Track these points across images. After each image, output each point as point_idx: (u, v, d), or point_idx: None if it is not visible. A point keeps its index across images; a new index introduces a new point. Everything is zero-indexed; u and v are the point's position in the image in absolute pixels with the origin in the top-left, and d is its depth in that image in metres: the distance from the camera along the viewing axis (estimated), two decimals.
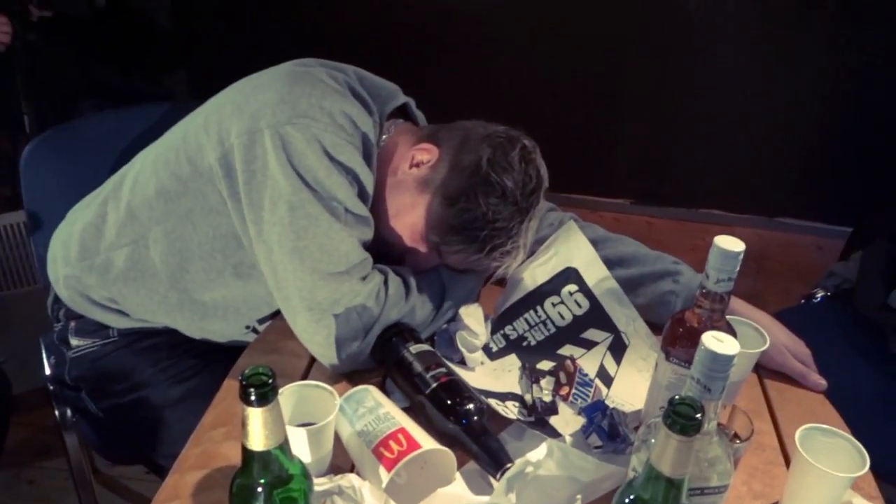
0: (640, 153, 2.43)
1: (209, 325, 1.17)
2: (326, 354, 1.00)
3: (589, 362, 1.08)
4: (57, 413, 1.27)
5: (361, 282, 1.00)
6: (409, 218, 1.07)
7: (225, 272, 1.11)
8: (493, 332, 1.11)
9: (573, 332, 1.11)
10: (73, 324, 1.19)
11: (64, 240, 1.20)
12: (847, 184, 2.28)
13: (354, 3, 2.35)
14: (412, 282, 1.06)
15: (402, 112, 1.18)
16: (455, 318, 1.09)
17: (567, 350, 1.10)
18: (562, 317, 1.11)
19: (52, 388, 1.26)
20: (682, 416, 0.58)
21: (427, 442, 0.82)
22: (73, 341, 1.20)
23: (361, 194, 1.03)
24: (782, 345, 1.09)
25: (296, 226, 0.98)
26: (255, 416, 0.58)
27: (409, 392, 0.95)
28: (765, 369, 1.11)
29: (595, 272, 1.12)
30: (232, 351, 1.12)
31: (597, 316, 1.11)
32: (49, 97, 2.34)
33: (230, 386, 0.99)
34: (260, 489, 0.63)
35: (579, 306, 1.11)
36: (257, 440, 0.60)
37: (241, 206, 1.02)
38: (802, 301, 1.77)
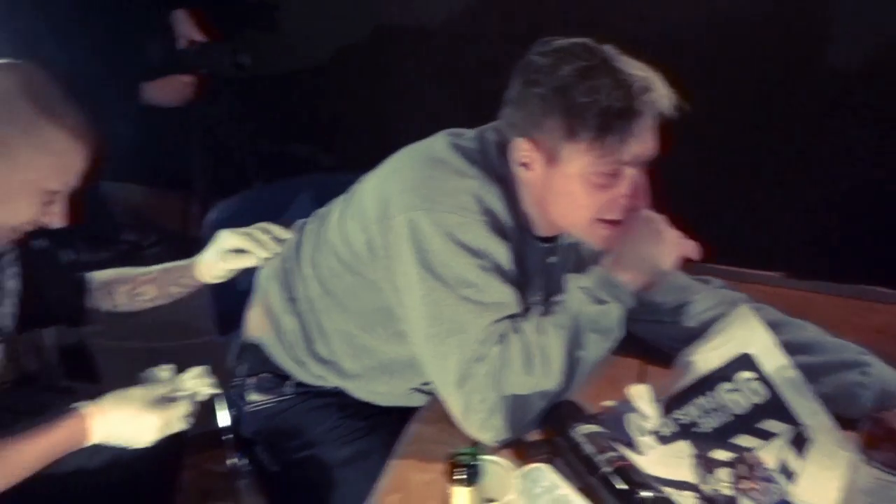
0: (793, 219, 2.31)
1: (376, 387, 1.22)
2: (467, 429, 1.01)
3: (767, 455, 1.02)
4: (229, 462, 1.34)
5: (482, 363, 1.00)
6: (571, 184, 1.05)
7: (389, 339, 1.17)
8: (664, 415, 1.08)
9: (749, 422, 1.06)
10: (252, 380, 1.27)
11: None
12: None
13: None
14: (534, 347, 1.01)
15: None
16: (625, 398, 1.07)
17: (742, 440, 1.05)
18: (737, 404, 1.07)
19: (228, 438, 1.33)
20: None
21: None
22: (251, 397, 1.28)
23: (499, 269, 1.04)
24: None
25: (427, 313, 1.02)
26: (463, 496, 0.60)
27: (580, 474, 0.94)
28: None
29: (774, 359, 1.07)
30: (397, 412, 1.16)
31: (775, 406, 1.06)
32: (220, 160, 2.55)
33: (404, 452, 1.02)
34: None
35: (756, 395, 1.07)
36: None
37: (388, 287, 1.09)
38: None
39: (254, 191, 2.05)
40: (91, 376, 1.76)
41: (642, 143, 1.03)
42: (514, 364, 1.00)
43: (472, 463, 0.59)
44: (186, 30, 2.28)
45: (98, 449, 1.15)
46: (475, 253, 1.03)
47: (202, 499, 1.84)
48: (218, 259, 1.26)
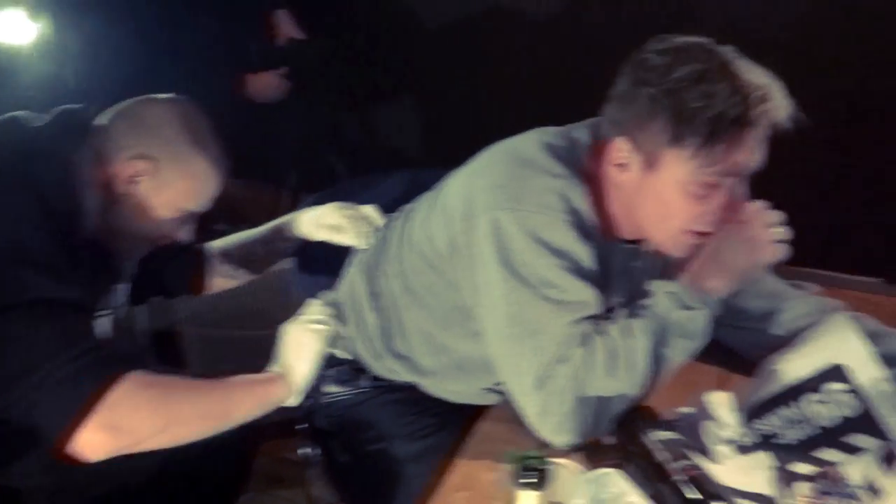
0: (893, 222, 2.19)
1: (450, 385, 1.23)
2: (540, 432, 1.00)
3: (852, 471, 0.97)
4: (300, 452, 1.38)
5: (563, 365, 0.98)
6: (669, 192, 1.02)
7: (466, 338, 1.17)
8: (744, 424, 1.04)
9: (836, 436, 1.00)
10: (330, 371, 1.30)
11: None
12: None
13: None
14: (621, 350, 1.00)
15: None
16: (703, 406, 1.04)
17: (827, 454, 1.00)
18: (824, 416, 1.02)
19: (302, 427, 1.37)
20: None
21: None
22: (328, 388, 1.30)
23: (581, 271, 1.03)
24: None
25: (507, 313, 1.01)
26: (530, 500, 0.60)
27: (652, 480, 0.92)
28: None
29: (868, 371, 1.01)
30: (468, 409, 1.16)
31: (867, 420, 1.00)
32: (309, 153, 2.63)
33: (473, 450, 1.03)
34: None
35: (846, 407, 1.01)
36: None
37: (468, 285, 1.09)
38: None
39: (343, 185, 2.10)
40: (178, 361, 1.84)
41: (750, 154, 1.00)
42: (597, 366, 0.99)
43: (540, 467, 0.59)
44: (287, 28, 2.36)
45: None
46: (558, 253, 1.02)
47: (272, 484, 1.90)
48: (315, 226, 1.34)
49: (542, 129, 1.16)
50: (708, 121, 0.96)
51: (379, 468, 1.22)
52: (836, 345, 1.04)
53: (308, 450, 1.37)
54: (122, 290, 1.27)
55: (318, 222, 1.32)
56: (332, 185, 1.76)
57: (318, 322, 1.15)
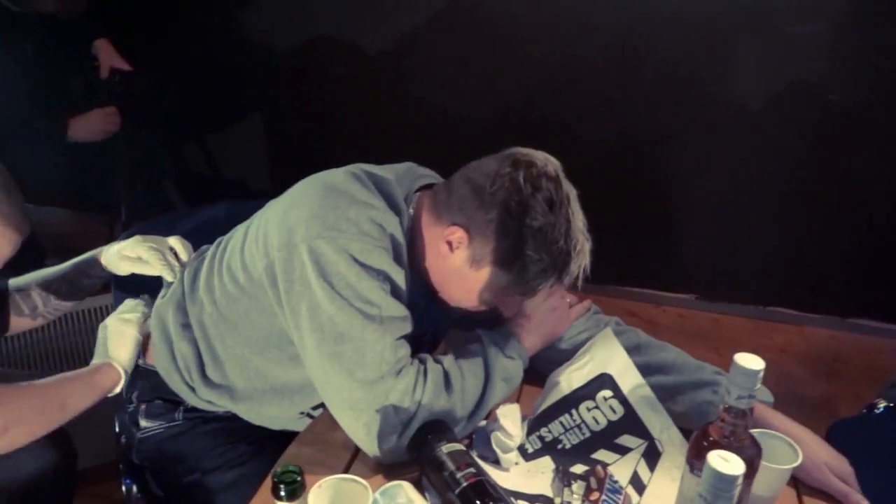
0: (706, 245, 2.43)
1: (267, 411, 1.26)
2: (369, 448, 1.07)
3: (622, 468, 1.10)
4: (123, 489, 1.36)
5: (395, 378, 1.07)
6: (469, 288, 1.15)
7: (282, 362, 1.21)
8: (529, 433, 1.15)
9: (608, 438, 1.13)
10: (143, 406, 1.30)
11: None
12: None
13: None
14: (454, 376, 1.12)
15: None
16: (492, 416, 1.14)
17: (601, 455, 1.12)
18: (596, 421, 1.14)
19: (120, 466, 1.35)
20: None
21: None
22: (142, 423, 1.30)
23: (395, 292, 1.11)
24: (822, 462, 1.09)
25: (332, 332, 1.07)
26: None
27: (441, 490, 0.99)
28: (805, 487, 1.10)
29: (630, 379, 1.15)
30: (285, 438, 1.20)
31: (631, 422, 1.14)
32: (142, 184, 2.57)
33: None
34: None
35: (614, 412, 1.14)
36: None
37: (284, 311, 1.13)
38: (864, 411, 1.71)
39: (171, 215, 2.07)
40: None
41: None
42: (430, 385, 1.08)
43: (291, 480, 0.64)
44: (108, 59, 2.30)
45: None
46: (376, 274, 1.09)
47: None
48: (118, 259, 1.33)
49: (355, 164, 1.23)
50: (536, 273, 1.10)
51: (193, 499, 1.23)
52: (603, 355, 1.17)
53: (127, 487, 1.35)
54: None
55: (121, 254, 1.31)
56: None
57: (131, 312, 1.27)
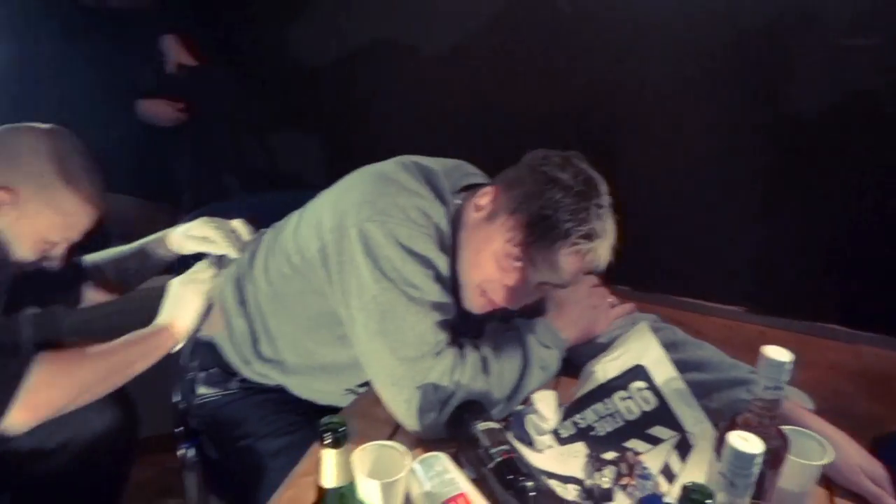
0: (758, 257, 2.41)
1: (315, 386, 1.34)
2: (409, 422, 1.13)
3: (654, 458, 1.13)
4: (182, 453, 1.45)
5: (435, 359, 1.13)
6: (490, 246, 1.18)
7: (331, 342, 1.29)
8: (564, 418, 1.19)
9: (640, 427, 1.17)
10: (202, 374, 1.39)
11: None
12: None
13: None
14: (492, 361, 1.17)
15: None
16: (528, 401, 1.18)
17: (633, 444, 1.15)
18: (630, 411, 1.18)
19: (179, 430, 1.45)
20: (693, 502, 0.66)
21: None
22: (200, 390, 1.39)
23: (438, 278, 1.18)
24: (856, 464, 1.10)
25: (377, 311, 1.14)
26: (329, 457, 0.71)
27: (476, 465, 1.05)
28: (839, 489, 1.11)
29: (663, 371, 1.18)
30: (331, 412, 1.27)
31: (664, 414, 1.17)
32: (204, 174, 2.69)
33: None
34: None
35: (647, 403, 1.18)
36: (329, 478, 0.73)
37: (335, 290, 1.20)
38: None
39: (230, 201, 2.18)
40: None
41: (556, 275, 1.17)
42: (468, 368, 1.14)
43: (338, 428, 0.70)
44: (175, 54, 2.42)
45: (54, 430, 1.27)
46: (420, 259, 1.16)
47: (161, 495, 1.95)
48: (185, 238, 1.40)
49: (405, 156, 1.30)
50: (540, 216, 1.14)
51: (245, 463, 1.31)
52: (638, 347, 1.20)
53: (185, 450, 1.44)
54: None
55: (188, 234, 1.40)
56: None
57: (202, 278, 1.28)
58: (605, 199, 1.18)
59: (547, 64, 2.37)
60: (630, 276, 1.43)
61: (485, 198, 1.21)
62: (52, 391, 1.11)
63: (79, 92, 2.10)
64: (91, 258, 1.48)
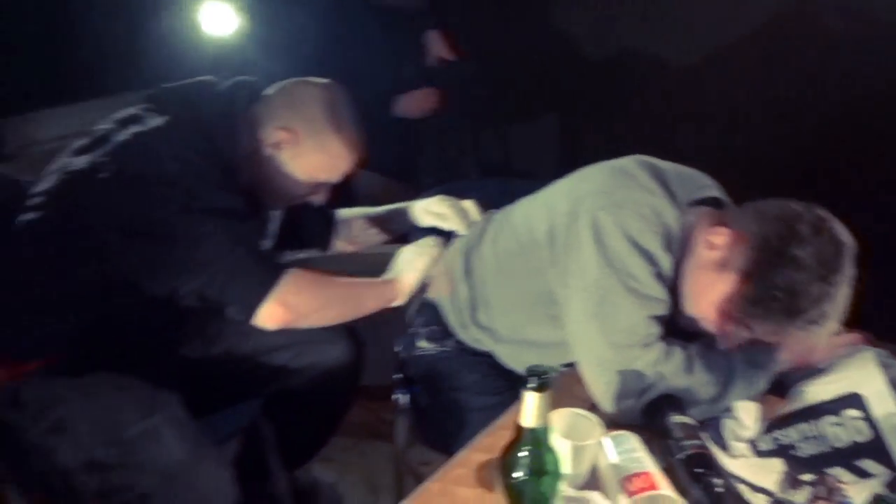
0: None
1: (523, 358, 1.43)
2: (606, 404, 1.20)
3: (859, 491, 1.08)
4: (397, 398, 1.63)
5: (643, 349, 1.18)
6: (711, 296, 1.17)
7: (542, 320, 1.38)
8: (766, 432, 1.17)
9: (847, 457, 1.11)
10: (424, 330, 1.55)
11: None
12: None
13: None
14: (697, 363, 1.19)
15: (715, 199, 1.31)
16: (729, 408, 1.18)
17: (837, 472, 1.11)
18: (838, 438, 1.13)
19: (395, 377, 1.63)
20: None
21: (666, 489, 0.96)
22: (420, 343, 1.55)
23: (660, 275, 1.21)
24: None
25: (596, 295, 1.20)
26: (531, 399, 0.80)
27: (665, 455, 1.08)
28: None
29: (885, 406, 1.12)
30: None
31: (877, 449, 1.10)
32: (445, 158, 2.90)
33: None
34: (522, 457, 0.84)
35: (860, 433, 1.12)
36: (529, 418, 0.82)
37: (557, 271, 1.28)
38: None
39: (465, 182, 2.35)
40: None
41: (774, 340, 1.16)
42: (674, 362, 1.18)
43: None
44: (437, 49, 2.64)
45: (302, 353, 1.51)
46: (645, 255, 1.21)
47: (371, 437, 2.18)
48: (424, 212, 1.61)
49: (641, 155, 1.35)
50: (771, 296, 1.09)
51: (451, 413, 1.45)
52: (859, 375, 1.15)
53: (400, 395, 1.62)
54: (268, 238, 1.56)
55: (427, 209, 1.58)
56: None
57: (429, 249, 1.48)
58: (848, 272, 1.10)
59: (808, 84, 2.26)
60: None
61: (719, 238, 1.17)
62: (299, 296, 1.32)
63: (352, 79, 2.37)
64: (343, 212, 1.72)
